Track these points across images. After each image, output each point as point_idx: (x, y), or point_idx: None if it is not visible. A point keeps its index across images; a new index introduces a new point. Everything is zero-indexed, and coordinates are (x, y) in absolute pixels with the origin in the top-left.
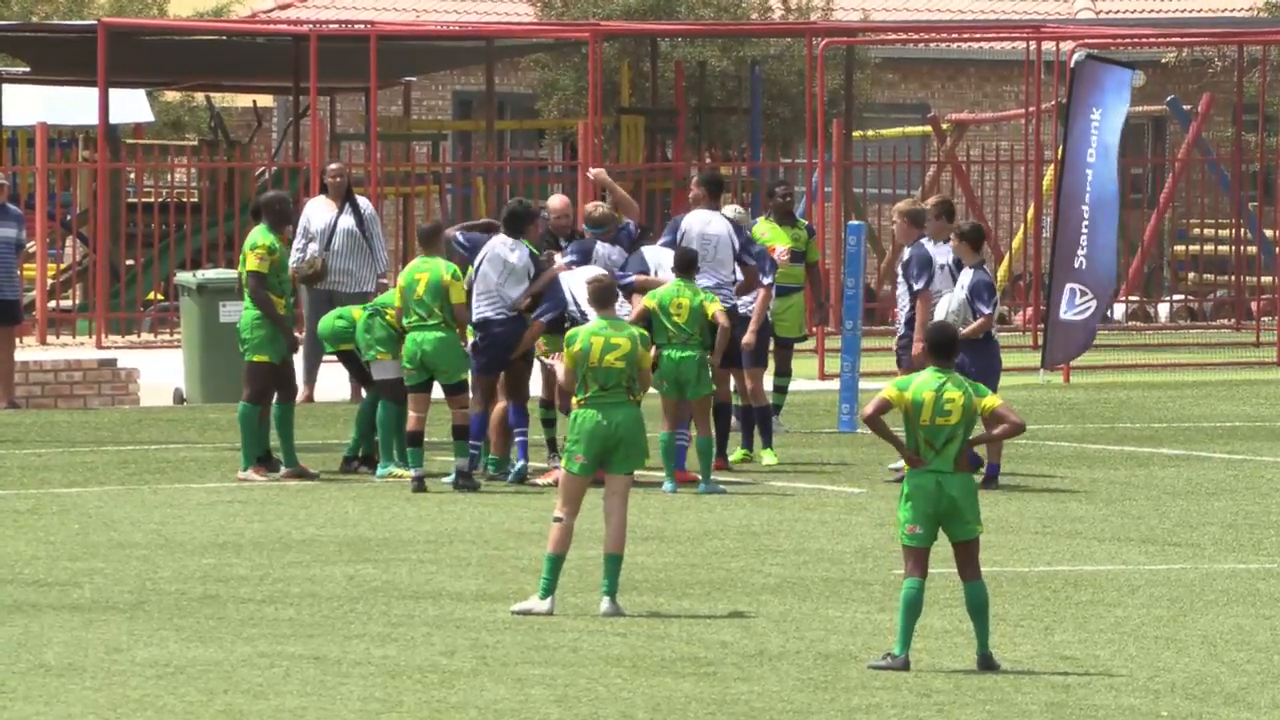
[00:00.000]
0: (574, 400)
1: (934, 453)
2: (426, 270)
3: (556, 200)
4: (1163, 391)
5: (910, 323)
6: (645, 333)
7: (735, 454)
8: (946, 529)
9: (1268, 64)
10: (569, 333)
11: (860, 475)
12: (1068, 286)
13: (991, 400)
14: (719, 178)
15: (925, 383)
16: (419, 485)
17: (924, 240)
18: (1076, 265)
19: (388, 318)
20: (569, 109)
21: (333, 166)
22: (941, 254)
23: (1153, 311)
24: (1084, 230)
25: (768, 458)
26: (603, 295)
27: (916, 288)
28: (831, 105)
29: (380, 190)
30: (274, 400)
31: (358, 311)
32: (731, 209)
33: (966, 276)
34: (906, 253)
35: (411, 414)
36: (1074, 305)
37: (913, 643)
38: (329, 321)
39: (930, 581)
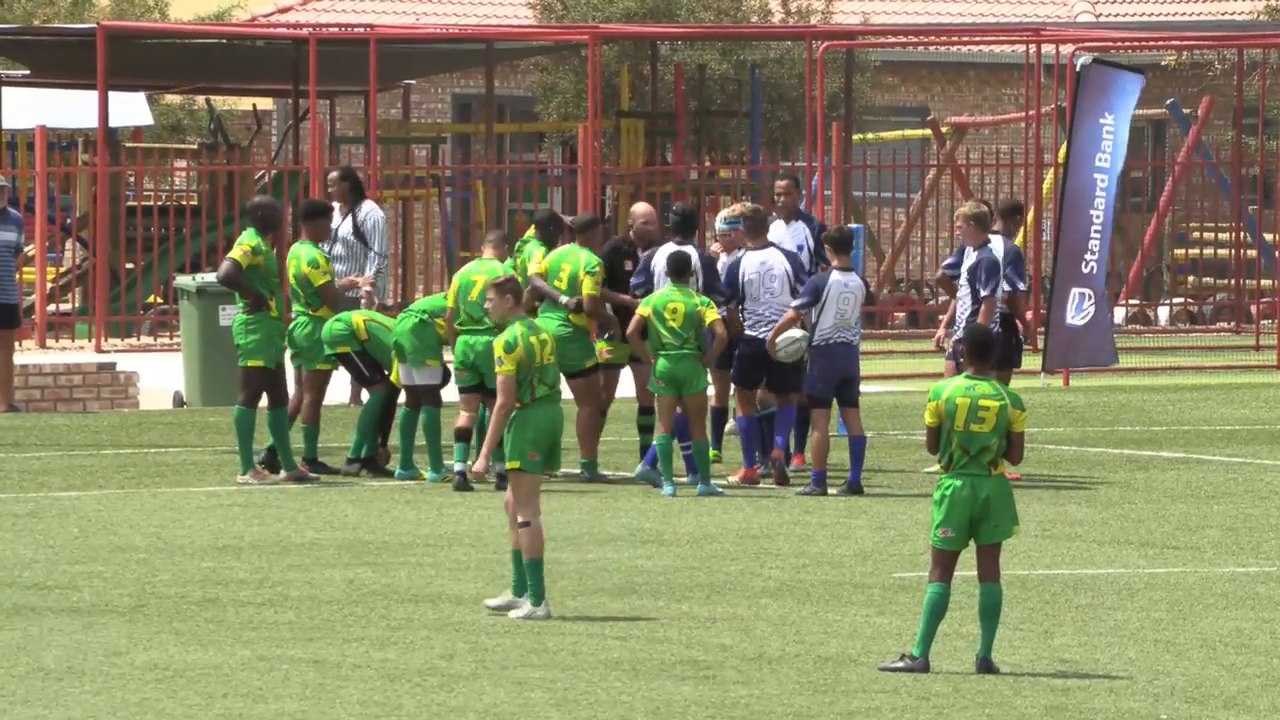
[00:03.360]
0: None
1: (968, 458)
2: (483, 273)
3: (641, 206)
4: (1162, 395)
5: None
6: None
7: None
8: (976, 531)
9: (1267, 67)
10: (507, 338)
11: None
12: (1074, 290)
13: (1021, 422)
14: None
15: (958, 388)
16: (463, 482)
17: (990, 245)
18: (1085, 270)
19: (439, 325)
20: (568, 112)
21: (331, 175)
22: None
23: (1152, 315)
24: (1094, 235)
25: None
26: (514, 293)
27: (984, 294)
28: (831, 108)
29: (379, 193)
30: (267, 406)
31: (357, 316)
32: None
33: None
34: (973, 256)
35: (463, 413)
36: (1081, 309)
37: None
38: (328, 325)
39: None
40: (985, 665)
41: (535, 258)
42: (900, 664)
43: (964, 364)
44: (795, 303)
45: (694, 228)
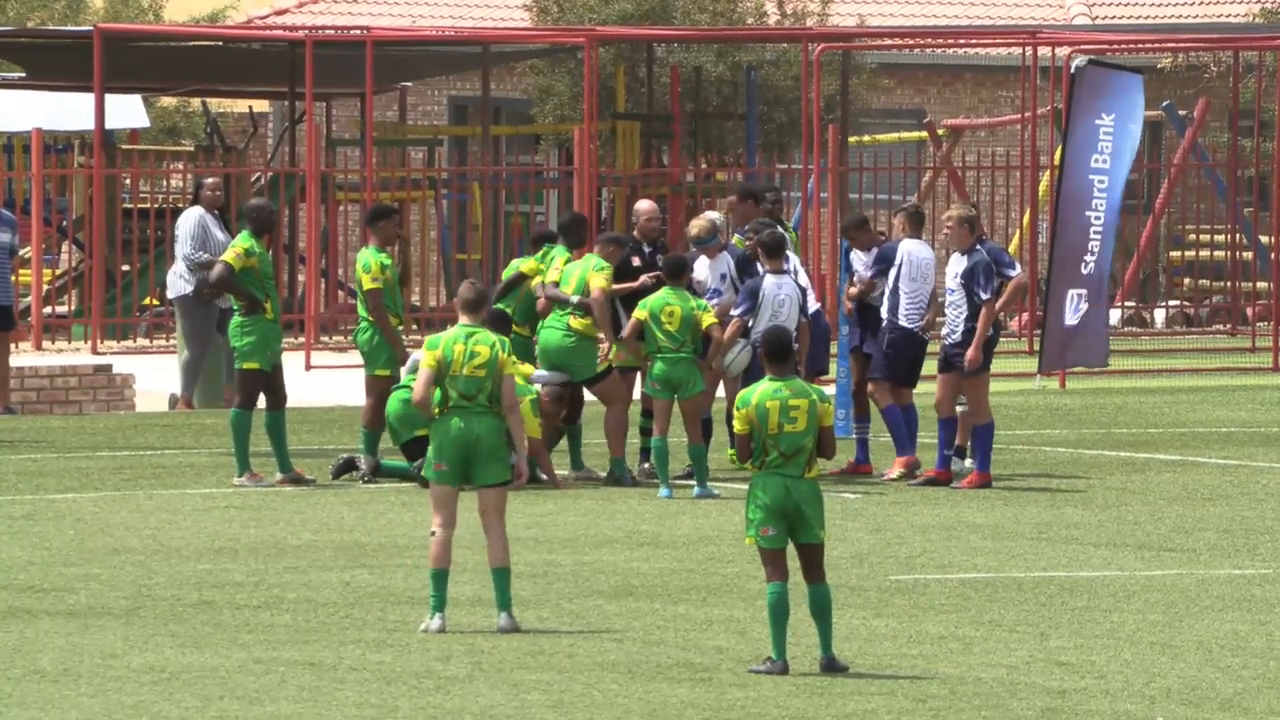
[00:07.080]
0: (435, 409)
1: (784, 459)
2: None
3: (645, 204)
4: (1158, 397)
5: (970, 331)
6: (506, 339)
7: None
8: (792, 533)
9: (1263, 69)
10: (430, 338)
11: (856, 480)
12: (1071, 292)
13: (830, 416)
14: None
15: (765, 392)
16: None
17: (979, 247)
18: (1085, 271)
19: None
20: (564, 114)
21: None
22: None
23: (1148, 317)
24: (1094, 236)
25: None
26: (473, 302)
27: (985, 297)
28: (827, 111)
29: (375, 196)
30: (265, 408)
31: None
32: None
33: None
34: (965, 261)
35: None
36: (1077, 310)
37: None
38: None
39: (925, 587)
40: (830, 664)
41: (556, 264)
42: (763, 666)
43: (765, 368)
44: (735, 311)
45: (783, 250)
